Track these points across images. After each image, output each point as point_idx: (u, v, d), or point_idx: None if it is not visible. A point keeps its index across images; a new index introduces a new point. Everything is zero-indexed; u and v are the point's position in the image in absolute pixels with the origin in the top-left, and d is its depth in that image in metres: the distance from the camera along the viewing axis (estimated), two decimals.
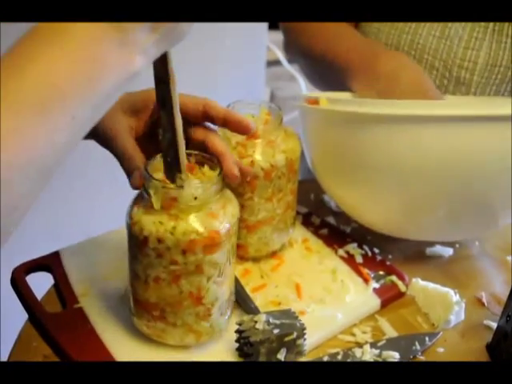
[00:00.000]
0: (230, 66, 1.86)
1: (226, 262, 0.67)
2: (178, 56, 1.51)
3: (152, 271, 0.65)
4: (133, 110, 0.69)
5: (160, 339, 0.70)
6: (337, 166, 0.84)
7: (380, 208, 0.82)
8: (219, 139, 0.69)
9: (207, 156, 0.68)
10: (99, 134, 0.68)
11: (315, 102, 0.81)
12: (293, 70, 2.24)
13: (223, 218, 0.65)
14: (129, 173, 0.67)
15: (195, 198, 0.63)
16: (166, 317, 0.68)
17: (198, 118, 0.68)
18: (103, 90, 0.44)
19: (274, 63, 2.23)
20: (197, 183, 0.64)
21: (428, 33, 0.99)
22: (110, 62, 0.43)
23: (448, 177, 0.74)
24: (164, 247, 0.63)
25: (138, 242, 0.65)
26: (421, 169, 0.74)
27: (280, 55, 2.21)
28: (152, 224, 0.63)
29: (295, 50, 1.10)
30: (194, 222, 0.63)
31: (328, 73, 0.98)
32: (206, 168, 0.67)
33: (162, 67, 0.58)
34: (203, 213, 0.64)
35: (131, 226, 0.65)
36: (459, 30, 0.98)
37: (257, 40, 1.91)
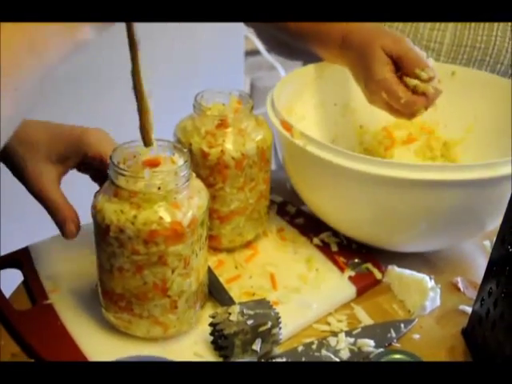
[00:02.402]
0: (207, 57, 1.85)
1: (192, 254, 0.66)
2: (156, 47, 1.50)
3: (115, 261, 0.65)
4: (60, 158, 0.69)
5: (127, 330, 0.69)
6: (313, 182, 0.83)
7: (358, 221, 0.82)
8: None
9: (178, 146, 0.67)
10: (27, 188, 0.69)
11: (289, 128, 0.79)
12: (272, 59, 2.22)
13: (187, 209, 0.63)
14: (60, 224, 0.69)
15: (158, 188, 0.62)
16: (132, 308, 0.67)
17: None
18: (48, 60, 0.44)
19: (253, 53, 2.21)
20: (159, 172, 0.63)
21: None
22: (53, 32, 0.43)
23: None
24: (126, 237, 0.62)
25: (101, 231, 0.64)
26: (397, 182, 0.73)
27: (259, 45, 2.20)
28: (113, 212, 0.62)
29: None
30: (156, 212, 0.62)
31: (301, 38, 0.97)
32: (175, 156, 0.66)
33: (129, 38, 0.56)
34: (166, 203, 0.62)
35: (95, 215, 0.64)
36: None
37: (234, 30, 1.89)
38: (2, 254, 0.82)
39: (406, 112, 0.82)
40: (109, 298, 0.68)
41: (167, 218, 0.62)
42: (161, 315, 0.67)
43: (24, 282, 0.78)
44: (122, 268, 0.65)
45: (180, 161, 0.65)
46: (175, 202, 0.63)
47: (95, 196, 0.66)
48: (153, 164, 0.64)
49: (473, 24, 0.95)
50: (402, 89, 0.81)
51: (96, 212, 0.64)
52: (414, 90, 0.81)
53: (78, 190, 0.83)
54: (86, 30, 0.45)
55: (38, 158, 0.67)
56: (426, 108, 0.82)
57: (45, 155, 0.68)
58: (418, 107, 0.81)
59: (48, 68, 0.44)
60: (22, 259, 0.80)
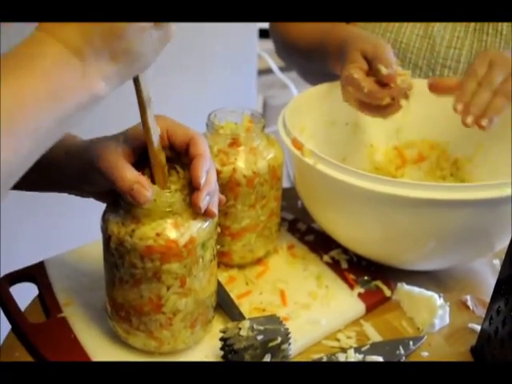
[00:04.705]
0: (221, 75, 1.86)
1: (190, 275, 0.66)
2: (169, 66, 1.52)
3: (117, 271, 0.66)
4: (126, 139, 0.67)
5: (127, 341, 0.71)
6: (323, 200, 0.84)
7: (368, 240, 0.83)
8: (203, 142, 0.67)
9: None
10: (86, 166, 0.66)
11: (300, 146, 0.80)
12: (285, 78, 2.25)
13: (186, 229, 0.64)
14: (124, 189, 0.62)
15: (156, 204, 0.63)
16: (130, 319, 0.68)
17: (183, 148, 0.67)
18: (65, 107, 0.49)
19: (265, 72, 2.24)
20: (159, 190, 0.64)
21: (411, 32, 1.00)
22: (71, 85, 0.49)
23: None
24: (125, 249, 0.64)
25: (105, 241, 0.66)
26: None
27: (272, 63, 2.22)
28: (115, 224, 0.64)
29: (284, 39, 1.11)
30: (153, 229, 0.63)
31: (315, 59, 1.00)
32: (178, 167, 0.67)
33: (137, 94, 0.59)
34: (166, 221, 0.64)
35: (102, 224, 0.67)
36: (441, 29, 0.99)
37: (247, 48, 1.91)
38: (18, 268, 0.83)
39: (373, 103, 0.84)
40: (112, 306, 0.70)
41: (163, 236, 0.63)
42: (155, 330, 0.68)
43: (39, 296, 0.80)
44: (122, 279, 0.66)
45: (182, 181, 0.66)
46: (175, 221, 0.64)
47: (106, 206, 0.68)
48: None
49: (488, 43, 0.96)
50: (366, 80, 0.83)
51: (103, 222, 0.66)
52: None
53: (87, 208, 0.85)
54: (100, 85, 0.51)
55: (101, 141, 0.67)
56: (393, 98, 0.83)
57: (113, 138, 0.67)
58: (382, 95, 0.82)
59: (65, 114, 0.49)
60: (37, 273, 0.82)
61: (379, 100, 0.83)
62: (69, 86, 0.49)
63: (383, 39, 1.01)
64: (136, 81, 0.58)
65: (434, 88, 0.85)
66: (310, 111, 0.95)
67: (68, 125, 0.51)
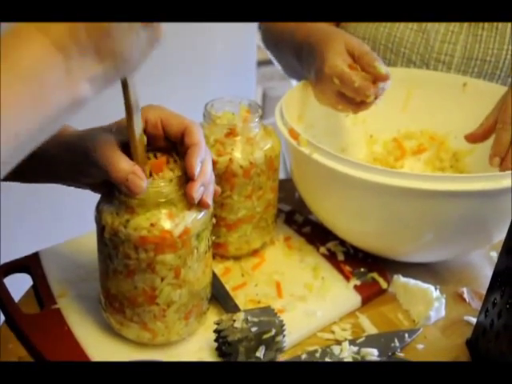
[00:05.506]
0: (220, 67, 1.86)
1: (184, 266, 0.66)
2: (169, 58, 1.51)
3: (111, 262, 0.66)
4: (119, 129, 0.66)
5: (120, 332, 0.70)
6: (319, 191, 0.83)
7: (364, 231, 0.82)
8: (198, 131, 0.66)
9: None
10: (81, 158, 0.65)
11: (296, 136, 0.79)
12: None
13: (181, 220, 0.64)
14: (119, 180, 0.61)
15: (152, 196, 0.63)
16: (124, 310, 0.68)
17: (178, 138, 0.66)
18: (47, 111, 0.46)
19: (265, 63, 2.22)
20: (157, 180, 0.64)
21: (405, 26, 0.99)
22: (54, 85, 0.46)
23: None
24: (119, 240, 0.63)
25: (99, 231, 0.66)
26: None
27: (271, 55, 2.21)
28: (109, 214, 0.64)
29: (269, 36, 1.11)
30: (148, 219, 0.63)
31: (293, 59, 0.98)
32: (175, 156, 0.67)
33: (124, 98, 0.58)
34: (161, 211, 0.63)
35: (96, 214, 0.66)
36: (435, 23, 0.98)
37: (247, 40, 1.91)
38: (13, 259, 0.83)
39: (356, 99, 0.83)
40: (105, 298, 0.70)
41: (157, 226, 0.63)
42: (149, 321, 0.68)
43: (33, 287, 0.79)
44: (116, 270, 0.66)
45: (178, 171, 0.66)
46: (170, 211, 0.63)
47: (101, 196, 0.67)
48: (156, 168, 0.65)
49: (484, 37, 0.95)
50: (355, 73, 0.82)
51: (97, 212, 0.66)
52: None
53: (82, 199, 0.84)
54: (84, 86, 0.48)
55: (94, 131, 0.66)
56: (376, 97, 0.82)
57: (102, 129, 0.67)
58: (369, 92, 0.81)
59: (48, 118, 0.47)
60: (31, 264, 0.81)
61: (365, 96, 0.81)
62: (51, 86, 0.46)
63: (377, 33, 1.00)
64: (124, 85, 0.56)
65: (472, 140, 0.84)
66: (308, 101, 0.94)
67: (50, 130, 0.48)
